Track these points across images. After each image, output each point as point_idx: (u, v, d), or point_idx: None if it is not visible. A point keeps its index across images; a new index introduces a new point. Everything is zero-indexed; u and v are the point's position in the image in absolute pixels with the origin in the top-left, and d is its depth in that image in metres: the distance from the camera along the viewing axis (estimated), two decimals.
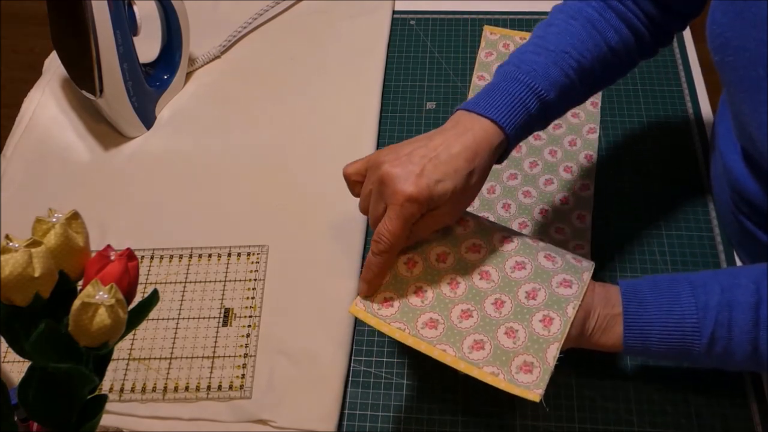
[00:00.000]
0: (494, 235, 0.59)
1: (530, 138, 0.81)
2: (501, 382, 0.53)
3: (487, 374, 0.53)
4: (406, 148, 0.56)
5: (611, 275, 0.71)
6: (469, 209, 0.75)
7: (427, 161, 0.54)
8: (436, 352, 0.54)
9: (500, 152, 0.58)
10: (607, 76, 0.65)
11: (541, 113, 0.59)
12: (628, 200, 0.76)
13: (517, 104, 0.57)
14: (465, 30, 0.94)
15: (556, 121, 0.82)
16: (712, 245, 0.72)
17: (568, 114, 0.83)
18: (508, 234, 0.59)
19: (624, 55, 0.63)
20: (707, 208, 0.75)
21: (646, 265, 0.71)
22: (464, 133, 0.56)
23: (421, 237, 0.58)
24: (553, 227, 0.74)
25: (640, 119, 0.83)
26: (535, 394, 0.52)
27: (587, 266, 0.59)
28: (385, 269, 0.57)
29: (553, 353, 0.53)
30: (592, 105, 0.84)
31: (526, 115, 0.58)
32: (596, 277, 0.70)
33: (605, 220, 0.75)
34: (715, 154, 0.72)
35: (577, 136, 0.81)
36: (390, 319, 0.56)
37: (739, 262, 0.71)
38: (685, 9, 0.64)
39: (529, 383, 0.53)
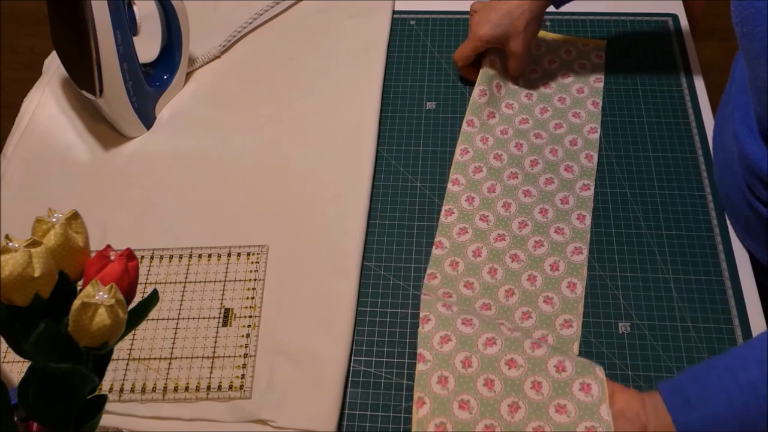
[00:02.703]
0: (501, 327, 0.64)
1: (531, 136, 0.81)
2: None
3: None
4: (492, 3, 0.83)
5: (611, 275, 0.71)
6: (468, 207, 0.75)
7: (492, 13, 0.82)
8: None
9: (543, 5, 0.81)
10: None
11: None
12: (627, 200, 0.76)
13: None
14: (465, 30, 0.93)
15: (557, 120, 0.83)
16: (712, 245, 0.72)
17: (569, 113, 0.83)
18: (513, 327, 0.66)
19: None
20: (707, 208, 0.75)
21: (646, 266, 0.71)
22: None
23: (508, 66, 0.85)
24: (553, 227, 0.74)
25: (640, 119, 0.83)
26: None
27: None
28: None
29: (605, 411, 0.57)
30: (593, 105, 0.84)
31: None
32: (595, 276, 0.70)
33: (605, 220, 0.75)
34: (723, 143, 0.72)
35: (578, 135, 0.81)
36: None
37: (740, 261, 0.71)
38: None
39: None
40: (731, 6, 0.59)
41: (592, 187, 0.77)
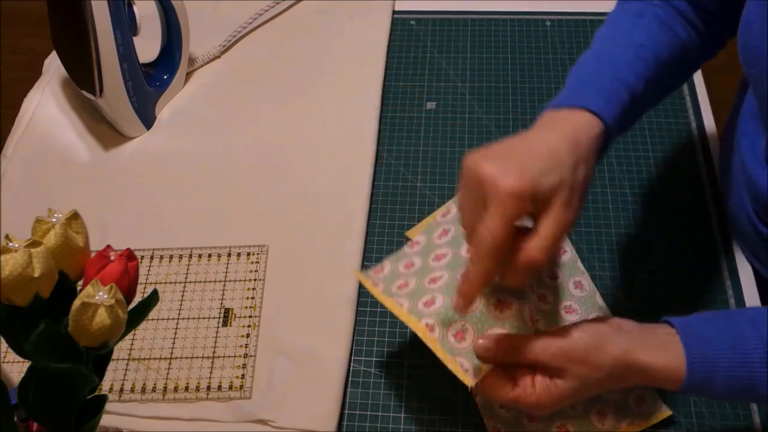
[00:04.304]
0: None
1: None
2: (638, 425, 0.60)
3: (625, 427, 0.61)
4: (500, 145, 0.51)
5: (611, 275, 0.71)
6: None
7: (527, 155, 0.48)
8: None
9: (601, 144, 0.53)
10: (680, 73, 0.64)
11: (631, 105, 0.56)
12: (627, 200, 0.76)
13: (609, 94, 0.54)
14: (465, 30, 0.94)
15: None
16: (712, 246, 0.72)
17: None
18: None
19: (693, 53, 0.62)
20: (707, 208, 0.75)
21: (646, 266, 0.71)
22: (560, 126, 0.51)
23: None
24: None
25: (640, 126, 0.82)
26: (666, 412, 0.61)
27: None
28: (485, 279, 0.48)
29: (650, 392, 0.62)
30: None
31: (619, 104, 0.54)
32: (595, 276, 0.70)
33: (605, 220, 0.74)
34: (728, 166, 0.71)
35: None
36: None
37: (740, 261, 0.71)
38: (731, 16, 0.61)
39: (653, 410, 0.61)
40: (738, 45, 0.58)
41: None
